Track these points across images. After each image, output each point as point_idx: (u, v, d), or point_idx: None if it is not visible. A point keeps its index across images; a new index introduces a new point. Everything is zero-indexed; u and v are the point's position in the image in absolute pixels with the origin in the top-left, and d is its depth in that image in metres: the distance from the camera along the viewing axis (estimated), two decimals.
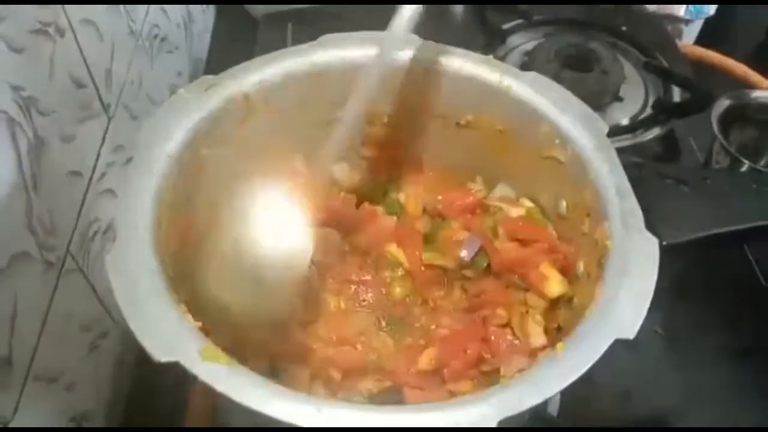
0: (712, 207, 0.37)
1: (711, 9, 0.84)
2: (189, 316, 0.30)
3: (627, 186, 0.35)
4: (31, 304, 0.41)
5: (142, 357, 0.58)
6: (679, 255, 0.41)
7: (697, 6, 0.82)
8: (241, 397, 0.27)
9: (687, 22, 0.84)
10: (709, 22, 0.86)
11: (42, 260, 0.44)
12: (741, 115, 0.64)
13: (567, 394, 0.45)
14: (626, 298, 0.31)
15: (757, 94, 0.66)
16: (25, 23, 0.42)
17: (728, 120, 0.62)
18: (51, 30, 0.46)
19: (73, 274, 0.48)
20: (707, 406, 0.48)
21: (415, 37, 0.43)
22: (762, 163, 0.62)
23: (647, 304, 0.31)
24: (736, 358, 0.50)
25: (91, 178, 0.51)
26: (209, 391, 0.27)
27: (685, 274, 0.52)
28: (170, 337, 0.28)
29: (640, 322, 0.30)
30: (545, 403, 0.45)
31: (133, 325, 0.28)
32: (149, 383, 0.55)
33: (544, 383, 0.28)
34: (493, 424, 0.26)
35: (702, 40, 0.88)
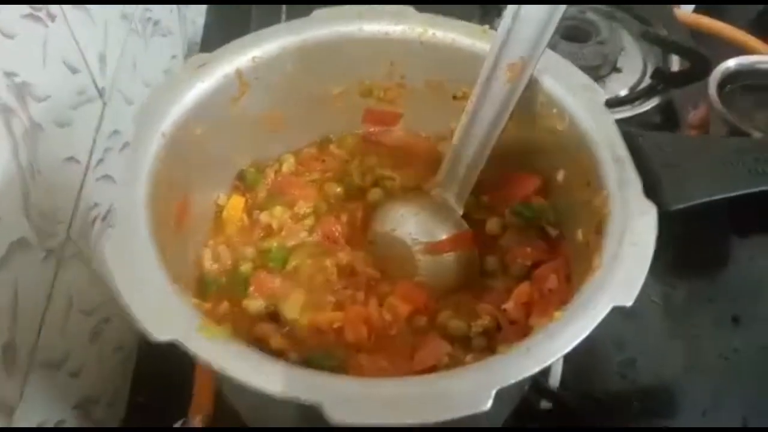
0: (713, 174, 0.37)
1: None
2: (187, 296, 0.31)
3: (625, 154, 0.35)
4: (31, 290, 0.42)
5: (145, 341, 0.59)
6: (671, 227, 0.41)
7: None
8: (237, 373, 0.27)
9: None
10: None
11: (41, 247, 0.44)
12: (740, 81, 0.63)
13: (567, 364, 0.46)
14: (624, 265, 0.31)
15: (756, 59, 0.65)
16: (16, 8, 0.41)
17: (727, 86, 0.61)
18: (42, 15, 0.45)
19: (74, 260, 0.48)
20: (706, 376, 0.49)
21: (411, 9, 0.43)
22: (760, 129, 0.61)
23: (645, 271, 0.30)
24: (728, 326, 0.50)
25: (88, 164, 0.51)
26: (211, 371, 0.28)
27: (680, 246, 0.52)
28: (167, 316, 0.28)
29: (638, 290, 0.30)
30: (546, 375, 0.46)
31: (130, 306, 0.28)
32: (153, 367, 0.55)
33: (541, 353, 0.28)
34: (490, 395, 0.26)
35: (701, 8, 0.86)
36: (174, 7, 0.76)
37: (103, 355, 0.53)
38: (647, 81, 0.68)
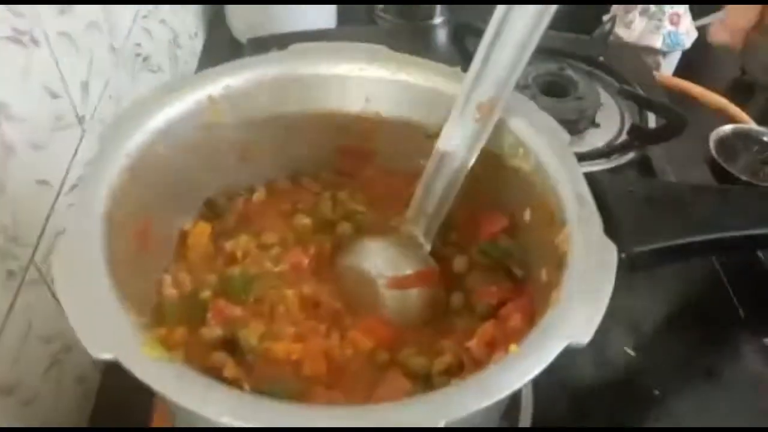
0: (677, 217, 0.37)
1: (688, 41, 0.85)
2: (135, 316, 0.30)
3: (587, 193, 0.35)
4: None
5: (108, 375, 0.57)
6: (648, 273, 0.41)
7: (674, 38, 0.84)
8: (179, 395, 0.26)
9: (664, 54, 0.86)
10: (686, 55, 0.88)
11: (2, 268, 0.43)
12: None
13: (541, 402, 0.46)
14: (581, 303, 0.31)
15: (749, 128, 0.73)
16: None
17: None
18: (25, 39, 0.46)
19: (37, 285, 0.48)
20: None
21: (385, 49, 0.44)
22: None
23: (603, 310, 0.30)
24: (703, 378, 0.49)
25: (60, 189, 0.51)
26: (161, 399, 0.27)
27: (657, 293, 0.52)
28: (110, 333, 0.28)
29: (593, 329, 0.30)
30: (516, 414, 0.45)
31: (72, 321, 0.27)
32: (114, 400, 0.54)
33: (493, 386, 0.27)
34: (438, 427, 0.25)
35: (679, 72, 0.89)
36: (166, 46, 0.77)
37: (62, 385, 0.52)
38: (624, 136, 0.69)
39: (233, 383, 0.35)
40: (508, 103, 0.39)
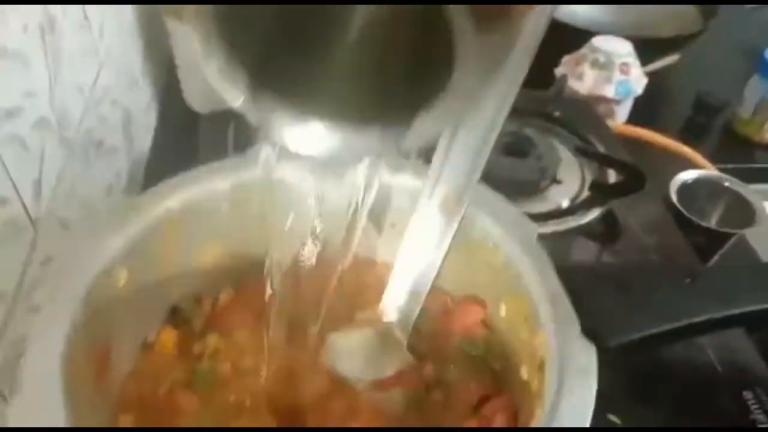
0: (653, 306, 0.37)
1: (639, 88, 0.88)
2: None
3: (561, 291, 0.35)
4: None
5: None
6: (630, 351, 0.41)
7: (625, 86, 0.86)
8: None
9: (617, 102, 0.88)
10: (638, 101, 0.90)
11: None
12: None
13: None
14: (566, 413, 0.30)
15: (707, 173, 0.74)
16: None
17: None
18: None
19: None
20: None
21: None
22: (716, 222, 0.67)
23: (588, 415, 0.30)
24: None
25: (15, 297, 0.49)
26: None
27: (639, 368, 0.52)
28: None
29: None
30: None
31: None
32: None
33: None
34: None
35: (633, 117, 0.91)
36: (120, 124, 0.75)
37: None
38: (586, 192, 0.70)
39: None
40: (474, 197, 0.39)
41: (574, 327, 0.33)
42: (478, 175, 0.38)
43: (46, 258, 0.53)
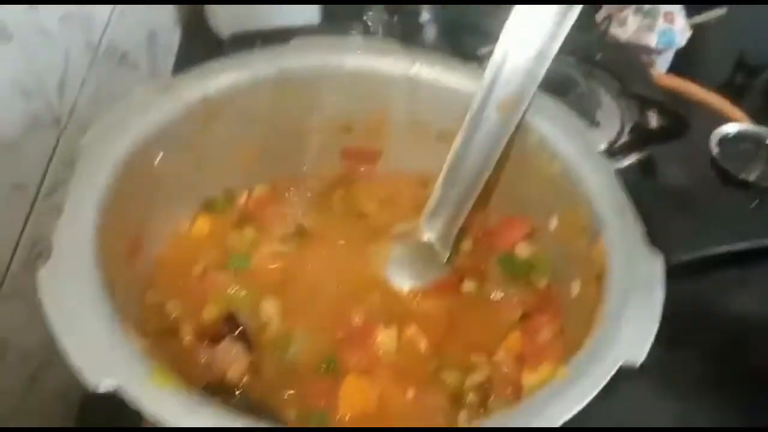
0: (717, 226, 0.35)
1: (682, 40, 0.84)
2: (138, 340, 0.26)
3: (624, 201, 0.33)
4: None
5: (88, 391, 0.53)
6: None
7: (669, 36, 0.83)
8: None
9: (659, 52, 0.84)
10: (679, 53, 0.87)
11: None
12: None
13: None
14: (630, 320, 0.28)
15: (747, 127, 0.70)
16: None
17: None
18: None
19: (13, 298, 0.44)
20: None
21: (396, 44, 0.41)
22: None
23: (655, 326, 0.28)
24: (717, 391, 0.47)
25: (38, 193, 0.47)
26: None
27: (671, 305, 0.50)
28: (110, 361, 0.24)
29: (647, 347, 0.27)
30: None
31: (66, 345, 0.24)
32: (98, 420, 0.50)
33: (547, 413, 0.25)
34: None
35: (673, 70, 0.88)
36: (144, 40, 0.73)
37: (42, 402, 0.48)
38: (626, 137, 0.67)
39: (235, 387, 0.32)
40: (532, 102, 0.36)
41: (639, 236, 0.31)
42: (539, 80, 0.36)
43: (70, 161, 0.51)
